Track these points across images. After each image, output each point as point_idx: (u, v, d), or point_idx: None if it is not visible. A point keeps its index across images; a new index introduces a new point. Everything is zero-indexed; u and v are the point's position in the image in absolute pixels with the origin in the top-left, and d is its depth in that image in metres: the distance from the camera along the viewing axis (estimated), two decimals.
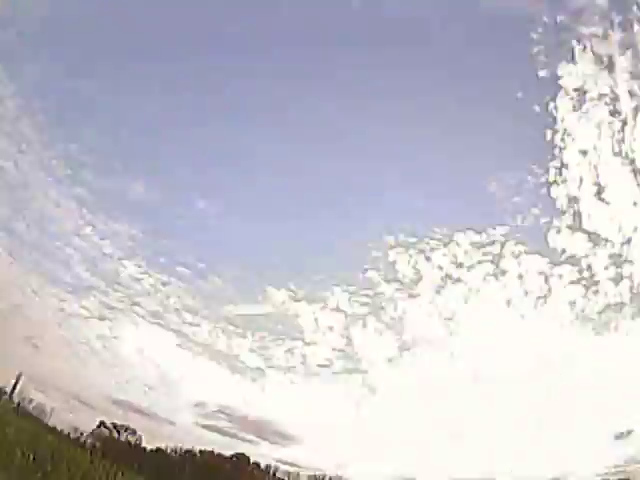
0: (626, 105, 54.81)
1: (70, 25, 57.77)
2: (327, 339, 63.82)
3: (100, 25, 59.64)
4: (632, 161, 55.76)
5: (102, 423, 59.77)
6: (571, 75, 56.28)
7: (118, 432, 60.90)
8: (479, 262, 60.97)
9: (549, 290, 59.62)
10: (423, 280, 62.00)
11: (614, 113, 55.70)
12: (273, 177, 71.32)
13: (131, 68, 64.61)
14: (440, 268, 61.54)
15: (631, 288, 56.39)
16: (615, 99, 55.41)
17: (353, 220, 71.23)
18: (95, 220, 62.08)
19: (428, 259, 61.53)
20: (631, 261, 56.19)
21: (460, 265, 61.38)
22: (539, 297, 60.04)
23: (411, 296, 62.93)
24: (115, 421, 60.55)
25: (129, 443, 59.60)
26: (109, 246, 63.14)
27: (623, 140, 55.56)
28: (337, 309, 63.80)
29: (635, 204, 55.82)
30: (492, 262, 60.80)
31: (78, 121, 64.23)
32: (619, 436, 53.78)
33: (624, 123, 55.37)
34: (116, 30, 61.59)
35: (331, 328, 63.69)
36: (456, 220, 65.46)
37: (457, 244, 61.22)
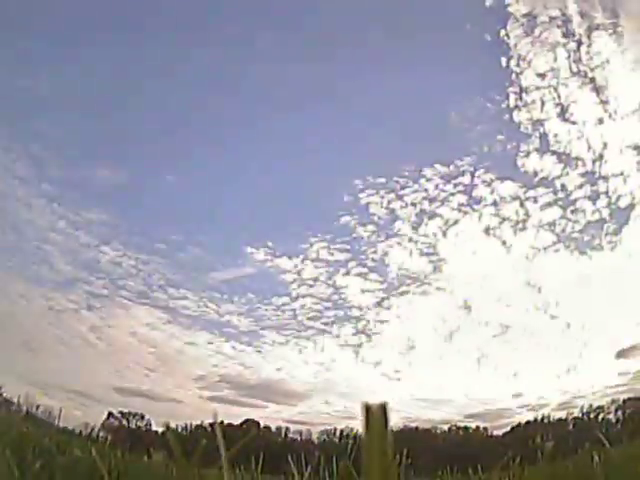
0: (579, 26, 54.34)
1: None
2: (313, 291, 64.06)
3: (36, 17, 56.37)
4: (592, 79, 55.44)
5: (110, 414, 59.41)
6: (519, 2, 55.49)
7: (127, 420, 60.89)
8: (451, 194, 60.41)
9: (526, 214, 59.89)
10: (398, 219, 62.14)
11: (567, 35, 55.00)
12: (236, 138, 70.21)
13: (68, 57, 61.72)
14: (413, 205, 61.38)
15: (609, 204, 56.87)
16: (567, 21, 54.78)
17: (319, 167, 70.59)
18: (67, 212, 60.32)
19: (400, 197, 61.43)
20: (605, 177, 56.44)
21: (433, 200, 61.32)
22: (517, 222, 60.56)
23: (389, 237, 62.99)
24: (122, 409, 60.30)
25: (139, 428, 59.94)
26: (85, 235, 61.73)
27: (580, 60, 55.07)
28: (318, 259, 63.68)
29: (601, 121, 55.48)
30: (464, 193, 60.48)
31: (31, 118, 61.71)
32: (620, 354, 55.43)
33: (579, 43, 54.79)
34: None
35: (315, 279, 63.72)
36: (422, 155, 63.98)
37: (427, 179, 61.05)
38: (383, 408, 0.68)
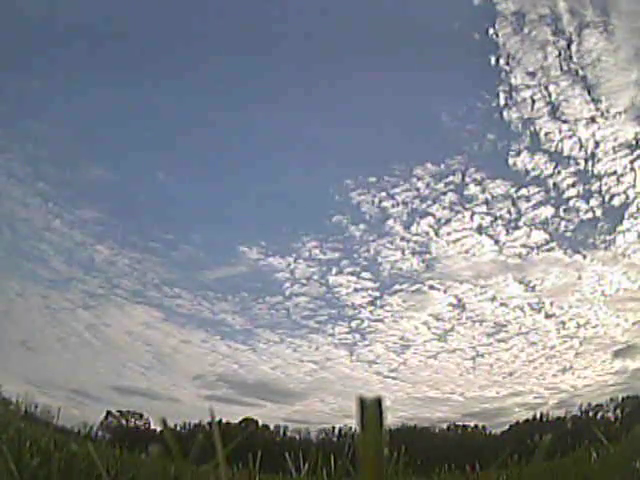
0: (569, 24, 53.27)
1: None
2: (306, 290, 63.19)
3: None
4: (583, 78, 54.53)
5: (109, 413, 59.44)
6: (507, 0, 54.92)
7: (126, 419, 60.91)
8: (443, 193, 60.13)
9: (518, 213, 59.65)
10: (390, 218, 61.66)
11: (557, 33, 52.84)
12: (229, 138, 70.24)
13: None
14: (405, 204, 61.06)
15: (602, 203, 55.91)
16: (557, 19, 53.77)
17: (311, 167, 70.69)
18: (62, 212, 60.74)
19: (391, 196, 61.06)
20: (598, 176, 55.11)
21: (424, 198, 60.97)
22: (509, 221, 60.25)
23: (381, 235, 62.83)
24: (121, 408, 60.43)
25: (137, 428, 59.87)
26: (80, 234, 62.08)
27: (571, 58, 53.73)
28: (310, 258, 63.57)
29: (592, 119, 53.96)
30: (455, 192, 60.08)
31: (27, 119, 61.79)
32: (617, 353, 55.36)
33: (569, 41, 52.77)
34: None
35: (308, 278, 63.53)
36: (413, 154, 65.55)
37: (418, 178, 60.72)
38: (378, 402, 0.68)
